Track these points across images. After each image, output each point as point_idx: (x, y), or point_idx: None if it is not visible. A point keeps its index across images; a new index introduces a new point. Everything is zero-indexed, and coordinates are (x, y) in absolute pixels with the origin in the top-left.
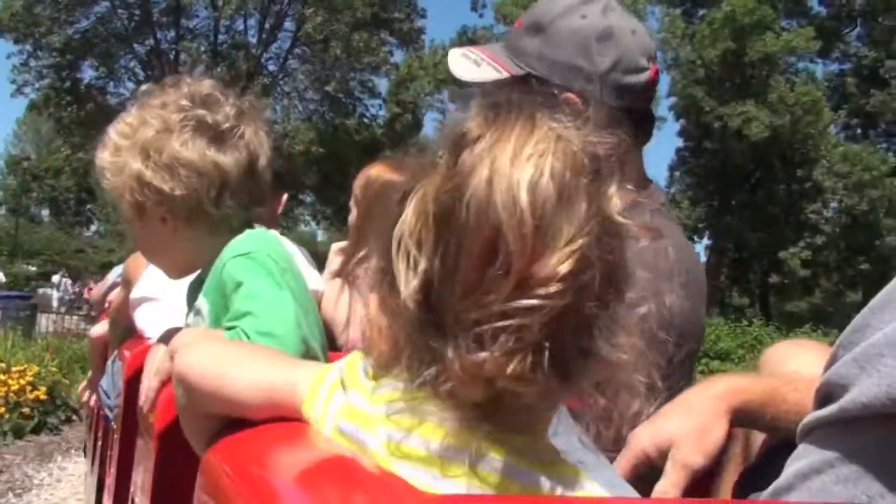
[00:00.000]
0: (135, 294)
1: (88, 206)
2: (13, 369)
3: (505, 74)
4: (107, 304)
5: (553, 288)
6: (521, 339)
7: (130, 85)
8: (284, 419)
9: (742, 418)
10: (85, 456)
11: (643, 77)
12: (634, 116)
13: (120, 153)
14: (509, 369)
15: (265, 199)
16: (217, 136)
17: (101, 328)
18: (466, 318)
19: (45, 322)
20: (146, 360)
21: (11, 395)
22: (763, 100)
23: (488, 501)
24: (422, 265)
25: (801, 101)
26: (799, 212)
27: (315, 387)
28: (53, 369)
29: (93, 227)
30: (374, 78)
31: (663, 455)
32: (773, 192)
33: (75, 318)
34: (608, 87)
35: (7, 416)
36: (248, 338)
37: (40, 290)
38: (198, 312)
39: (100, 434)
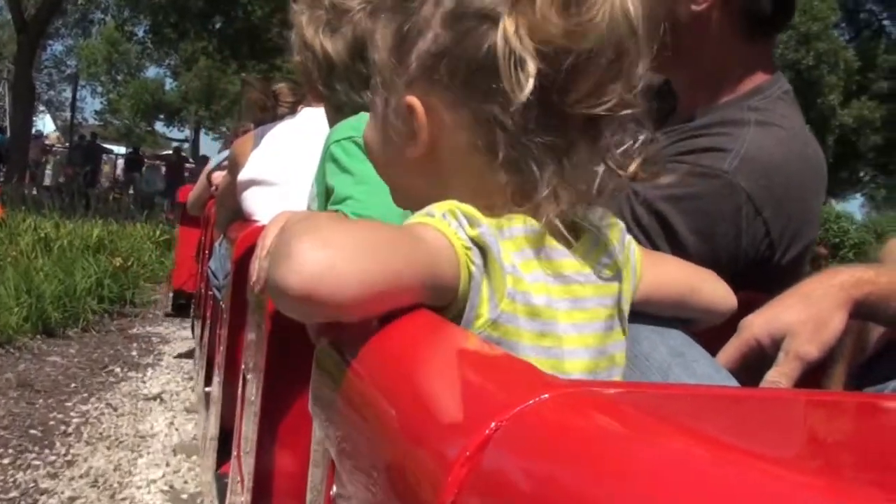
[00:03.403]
0: (242, 177)
1: None
2: None
3: None
4: (213, 188)
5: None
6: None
7: None
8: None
9: (863, 310)
10: (193, 336)
11: None
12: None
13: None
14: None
15: None
16: (331, 20)
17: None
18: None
19: None
20: (258, 241)
21: None
22: None
23: (622, 387)
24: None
25: None
26: None
27: (464, 265)
28: None
29: None
30: None
31: (776, 344)
32: None
33: None
34: None
35: None
36: None
37: None
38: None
39: (208, 314)
